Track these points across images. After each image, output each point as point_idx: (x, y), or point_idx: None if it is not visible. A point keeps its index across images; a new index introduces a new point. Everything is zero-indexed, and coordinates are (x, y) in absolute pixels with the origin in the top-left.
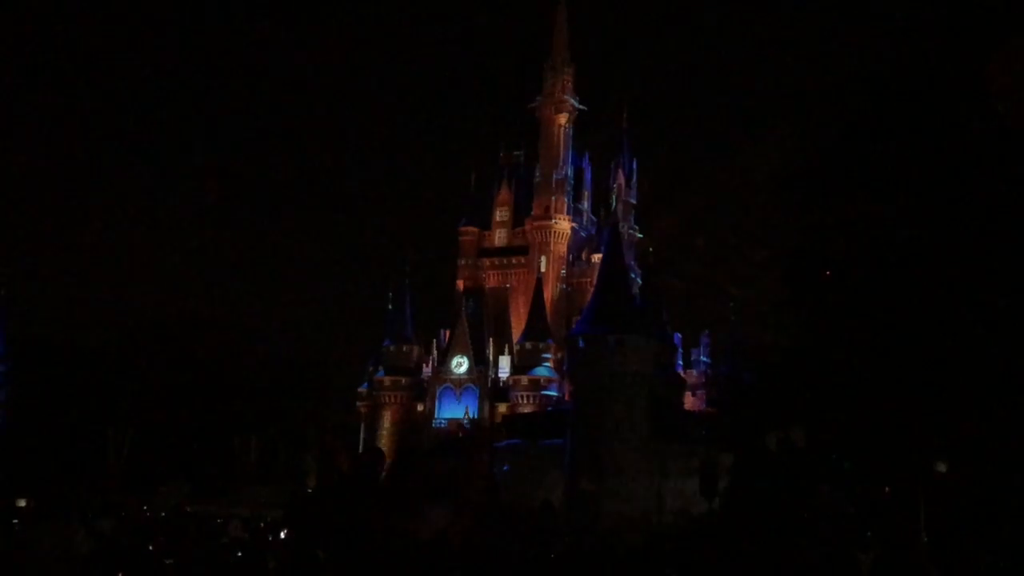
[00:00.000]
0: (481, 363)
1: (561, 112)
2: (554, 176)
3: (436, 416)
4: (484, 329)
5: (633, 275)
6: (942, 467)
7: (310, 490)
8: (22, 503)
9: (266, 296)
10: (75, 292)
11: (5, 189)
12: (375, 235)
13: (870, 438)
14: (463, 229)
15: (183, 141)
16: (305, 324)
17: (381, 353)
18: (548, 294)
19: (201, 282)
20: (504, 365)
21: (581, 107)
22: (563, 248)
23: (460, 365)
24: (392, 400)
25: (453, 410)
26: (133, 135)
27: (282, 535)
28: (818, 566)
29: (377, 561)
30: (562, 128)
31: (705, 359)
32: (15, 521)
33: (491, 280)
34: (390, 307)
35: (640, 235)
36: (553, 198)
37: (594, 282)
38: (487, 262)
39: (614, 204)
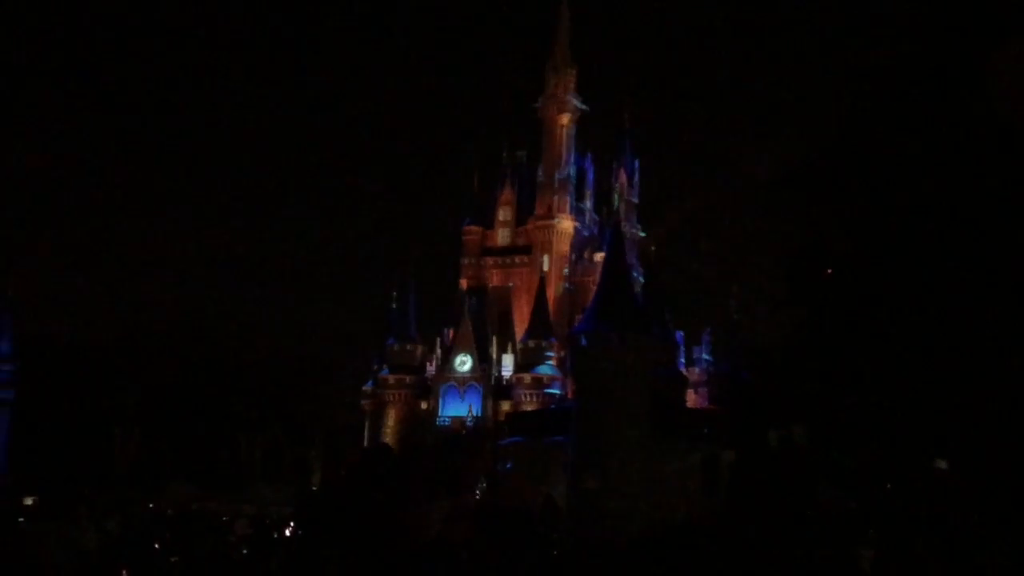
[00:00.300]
0: (484, 361)
1: (564, 112)
2: (557, 176)
3: (440, 414)
4: (487, 328)
5: (635, 274)
6: (943, 464)
7: (315, 487)
8: (29, 501)
9: (271, 295)
10: (82, 291)
11: (12, 188)
12: (379, 234)
13: (871, 435)
14: (466, 228)
15: (190, 139)
16: (309, 323)
17: (385, 352)
18: (551, 293)
19: (206, 281)
20: (507, 363)
21: (584, 107)
22: (566, 247)
23: (464, 363)
24: (396, 398)
25: (457, 408)
26: (139, 134)
27: (287, 532)
28: (820, 563)
29: (381, 560)
30: (565, 128)
31: (707, 357)
32: (22, 519)
33: (494, 279)
34: (394, 306)
35: (642, 234)
36: (556, 197)
37: (596, 281)
38: (490, 261)
39: (616, 203)
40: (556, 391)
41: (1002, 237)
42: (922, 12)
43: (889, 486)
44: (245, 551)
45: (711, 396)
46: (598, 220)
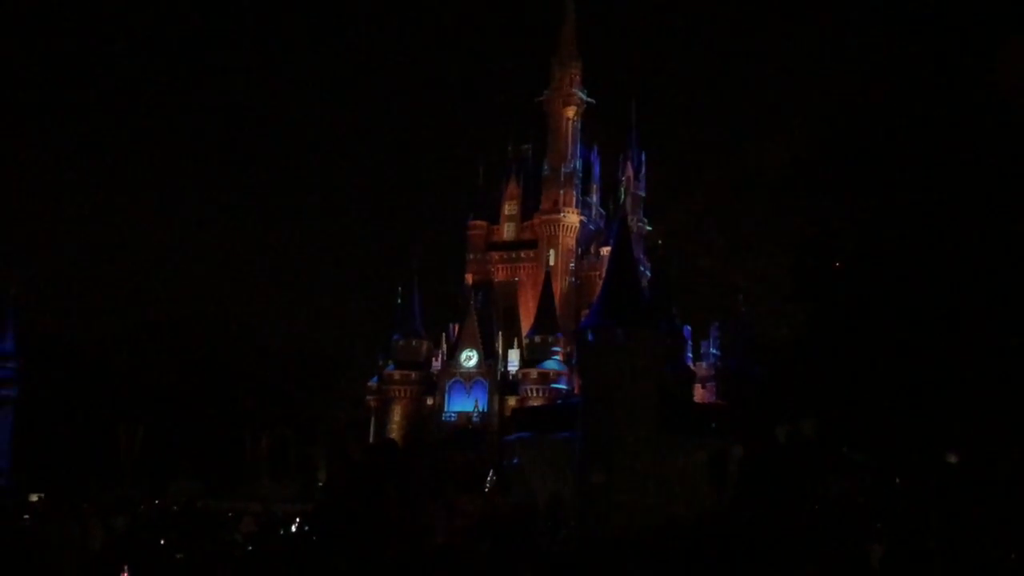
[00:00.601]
0: (490, 357)
1: (569, 105)
2: (562, 170)
3: (446, 409)
4: (493, 323)
5: (642, 268)
6: (952, 458)
7: (321, 484)
8: (35, 498)
9: (275, 292)
10: (85, 289)
11: (14, 187)
12: (383, 231)
13: (880, 430)
14: (471, 223)
15: (194, 136)
16: (314, 320)
17: (390, 347)
18: (557, 287)
19: (211, 278)
20: (513, 358)
21: (589, 100)
22: (572, 241)
23: (469, 359)
24: (402, 394)
25: (463, 403)
26: (143, 130)
27: (293, 528)
28: (829, 557)
29: (387, 564)
30: (570, 121)
31: (715, 351)
32: (27, 517)
33: (500, 274)
34: (399, 301)
35: (649, 228)
36: (561, 192)
37: (603, 275)
38: (496, 256)
39: (623, 197)
40: (562, 386)
41: (1012, 230)
42: (929, 6)
43: (898, 480)
44: (250, 548)
45: (719, 391)
46: (604, 214)
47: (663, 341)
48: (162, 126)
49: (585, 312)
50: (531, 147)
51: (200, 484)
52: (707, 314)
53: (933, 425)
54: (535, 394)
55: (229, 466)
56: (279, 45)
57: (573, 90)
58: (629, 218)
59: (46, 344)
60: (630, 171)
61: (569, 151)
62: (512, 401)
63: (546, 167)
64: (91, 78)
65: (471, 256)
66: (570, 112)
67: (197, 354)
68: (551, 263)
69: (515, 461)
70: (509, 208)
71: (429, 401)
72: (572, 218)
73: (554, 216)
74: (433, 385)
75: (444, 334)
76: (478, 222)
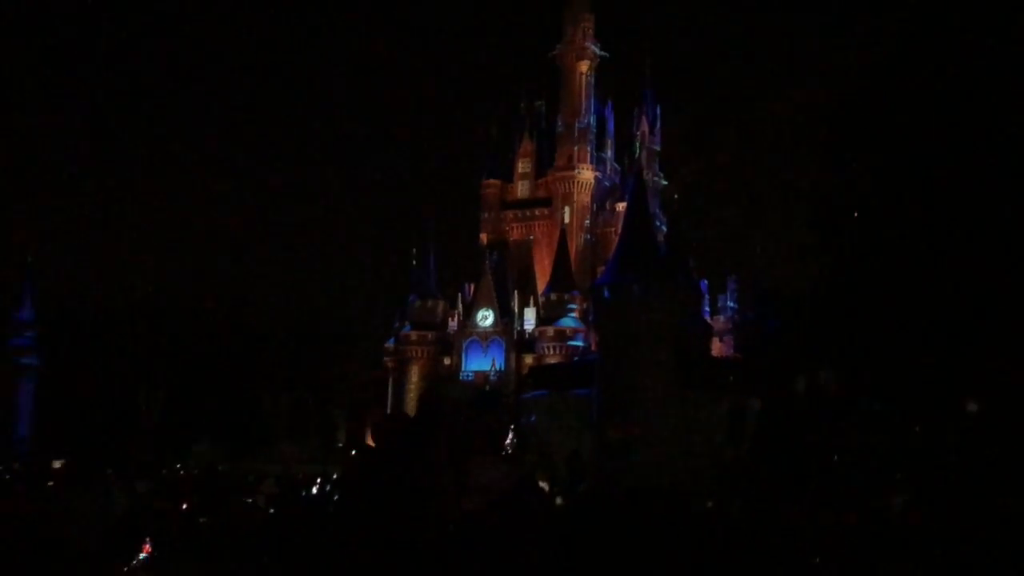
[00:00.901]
0: (506, 316)
1: (583, 59)
2: (576, 125)
3: (463, 369)
4: (509, 282)
5: (658, 223)
6: (972, 406)
7: (341, 445)
8: (58, 464)
9: (292, 256)
10: (103, 255)
11: (30, 154)
12: (398, 191)
13: (899, 379)
14: (485, 182)
15: (210, 100)
16: (330, 283)
17: (407, 308)
18: (572, 245)
19: (228, 241)
20: (529, 317)
21: (603, 54)
22: (587, 198)
23: (485, 318)
24: (419, 355)
25: (480, 363)
26: (158, 94)
27: (314, 490)
28: (848, 508)
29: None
30: (584, 76)
31: (732, 305)
32: (51, 483)
33: (515, 232)
34: (414, 263)
35: (664, 182)
36: (576, 148)
37: (619, 231)
38: (510, 214)
39: (638, 152)
40: (579, 343)
41: None
42: None
43: (918, 429)
44: (272, 511)
45: (736, 344)
46: (619, 169)
47: (680, 296)
48: (176, 89)
49: (601, 269)
50: (544, 103)
51: (221, 447)
52: (724, 267)
53: (953, 374)
54: (552, 352)
55: (248, 429)
56: (292, 3)
57: (586, 44)
58: (644, 173)
59: (65, 311)
60: (645, 125)
61: (583, 106)
62: (529, 359)
63: (560, 123)
64: (103, 39)
65: (485, 215)
66: (583, 66)
67: (216, 318)
68: (566, 220)
69: (532, 419)
70: (523, 166)
71: (446, 361)
72: (587, 174)
73: (568, 172)
74: (450, 345)
75: (460, 294)
76: (492, 181)
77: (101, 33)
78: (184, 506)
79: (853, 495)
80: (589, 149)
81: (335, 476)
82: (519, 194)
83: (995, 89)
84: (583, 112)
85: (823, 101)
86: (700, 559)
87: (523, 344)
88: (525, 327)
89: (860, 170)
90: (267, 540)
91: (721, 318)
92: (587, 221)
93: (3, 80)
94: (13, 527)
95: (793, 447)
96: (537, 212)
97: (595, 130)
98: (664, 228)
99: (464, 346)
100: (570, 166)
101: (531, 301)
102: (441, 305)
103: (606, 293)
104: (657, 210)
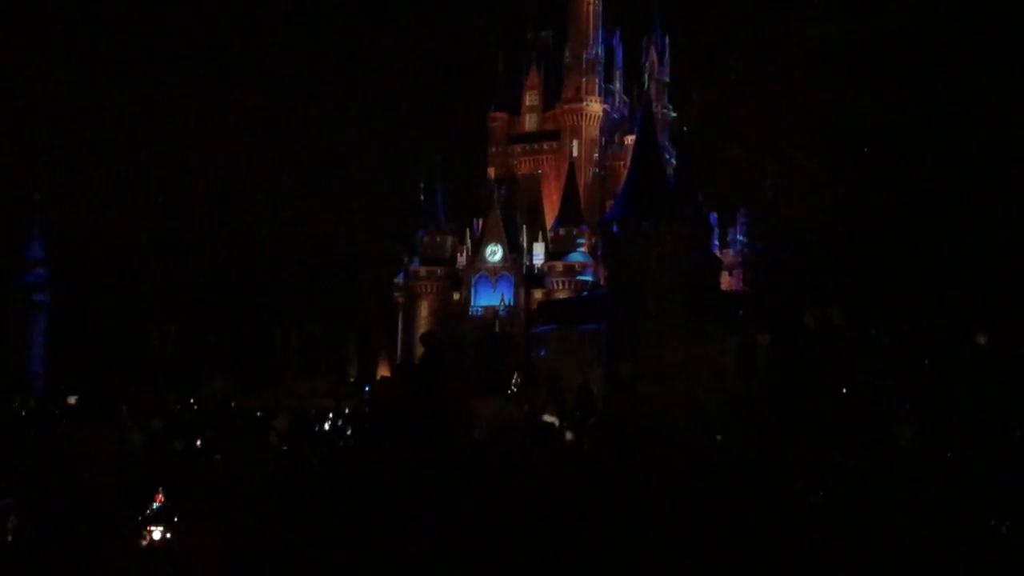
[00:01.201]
0: (515, 251)
1: None
2: (584, 56)
3: (472, 304)
4: (517, 216)
5: (667, 156)
6: (982, 339)
7: (353, 379)
8: (72, 400)
9: (300, 191)
10: (112, 191)
11: (38, 93)
12: (404, 126)
13: (909, 311)
14: (492, 115)
15: (220, 40)
16: (339, 217)
17: (415, 244)
18: (581, 179)
19: (237, 177)
20: (538, 252)
21: None
22: (595, 131)
23: (494, 253)
24: (428, 290)
25: (489, 298)
26: (166, 34)
27: (327, 426)
28: (856, 440)
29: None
30: (591, 6)
31: (742, 238)
32: (65, 420)
33: (523, 167)
34: (422, 197)
35: (674, 114)
36: (584, 80)
37: (627, 165)
38: (518, 148)
39: (647, 83)
40: (588, 278)
41: None
42: None
43: (927, 361)
44: (285, 448)
45: (746, 278)
46: (628, 102)
47: (689, 230)
48: (184, 28)
49: (610, 203)
50: (551, 34)
51: (232, 383)
52: (734, 201)
53: (963, 306)
54: (561, 287)
55: (259, 364)
56: None
57: None
58: (653, 105)
59: (75, 248)
60: (654, 56)
61: (591, 37)
62: (538, 294)
63: (567, 54)
64: None
65: (493, 149)
66: None
67: (225, 253)
68: (574, 154)
69: (542, 353)
70: (530, 98)
71: (455, 296)
72: (595, 107)
73: (577, 105)
74: (459, 280)
75: (468, 229)
76: (499, 114)
77: None
78: (198, 442)
79: (861, 429)
80: (597, 81)
81: (347, 411)
82: (527, 127)
83: (1016, 23)
84: (591, 43)
85: (837, 27)
86: (703, 495)
87: (532, 279)
88: (534, 262)
89: (875, 100)
90: (281, 477)
91: (730, 252)
92: (596, 154)
93: (10, 14)
94: (29, 470)
95: (802, 381)
96: (545, 146)
97: (603, 61)
98: (673, 161)
99: (473, 281)
100: (578, 98)
101: (540, 236)
102: (450, 240)
103: (615, 228)
104: (666, 143)
